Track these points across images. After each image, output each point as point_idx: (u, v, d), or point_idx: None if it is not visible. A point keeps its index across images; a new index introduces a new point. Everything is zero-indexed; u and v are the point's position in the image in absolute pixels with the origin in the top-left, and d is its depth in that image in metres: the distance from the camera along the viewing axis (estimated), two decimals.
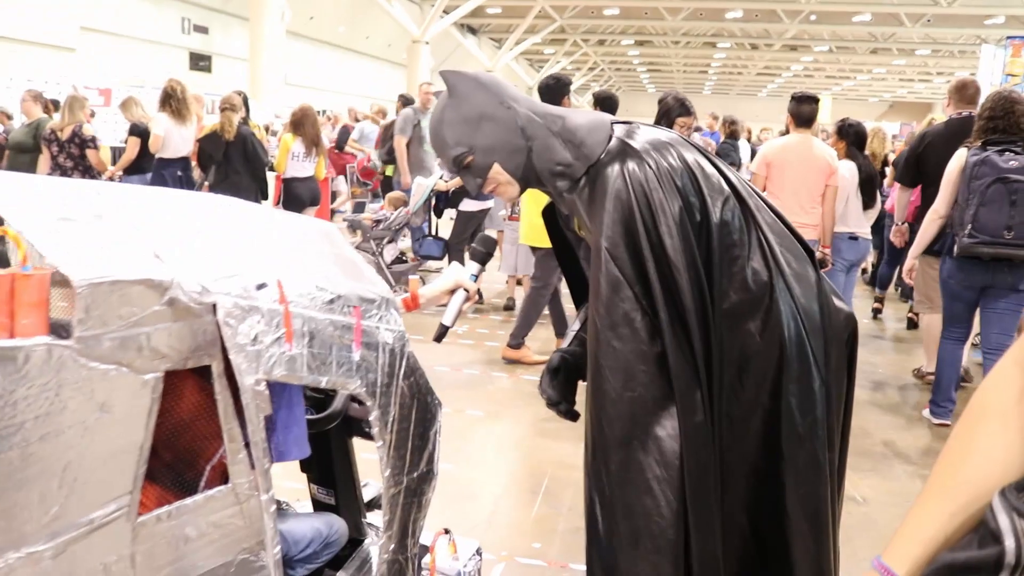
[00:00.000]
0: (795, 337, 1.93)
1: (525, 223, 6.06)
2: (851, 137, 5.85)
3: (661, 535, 1.85)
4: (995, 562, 0.85)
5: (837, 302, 2.05)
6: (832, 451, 2.01)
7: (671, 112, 5.52)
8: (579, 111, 2.13)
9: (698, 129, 11.16)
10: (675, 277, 1.86)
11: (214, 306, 1.43)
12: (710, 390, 1.89)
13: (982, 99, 4.78)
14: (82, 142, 7.51)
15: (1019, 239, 4.18)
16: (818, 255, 5.56)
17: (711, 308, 1.89)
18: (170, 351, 1.38)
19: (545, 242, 5.32)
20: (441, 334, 2.22)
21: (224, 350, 1.46)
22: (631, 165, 1.92)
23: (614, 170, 1.93)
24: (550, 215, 2.36)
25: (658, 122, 5.33)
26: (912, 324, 7.69)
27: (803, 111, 5.51)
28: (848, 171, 5.78)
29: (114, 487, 1.34)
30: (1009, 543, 0.84)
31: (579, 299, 2.49)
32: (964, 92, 5.34)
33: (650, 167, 1.91)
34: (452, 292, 2.22)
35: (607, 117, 2.09)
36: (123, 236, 1.40)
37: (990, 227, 4.21)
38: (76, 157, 7.51)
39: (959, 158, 4.50)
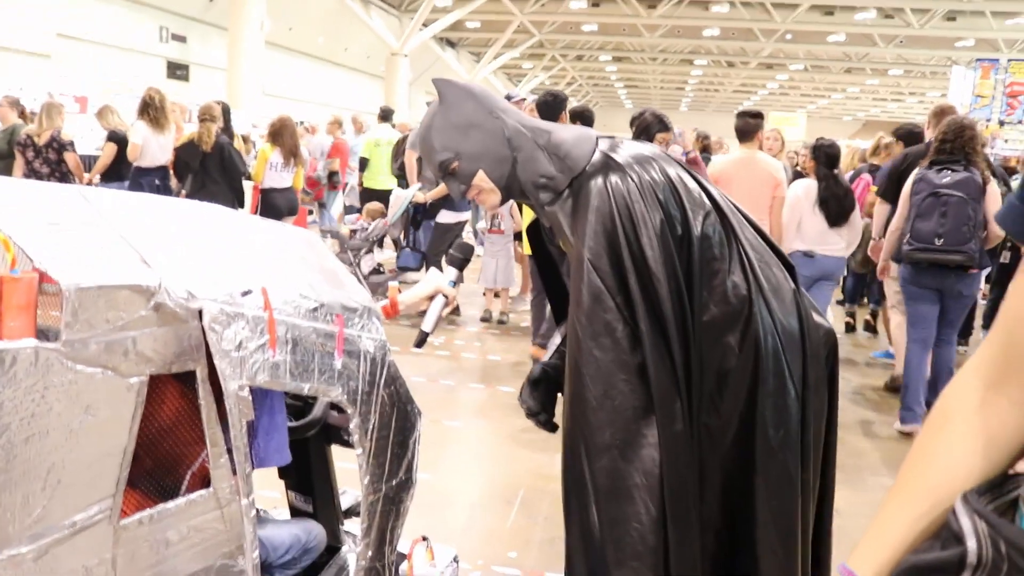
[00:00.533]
0: (772, 351, 1.96)
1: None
2: (822, 157, 5.90)
3: (641, 541, 1.88)
4: (958, 562, 0.88)
5: (817, 318, 2.08)
6: (808, 468, 2.04)
7: (651, 128, 5.60)
8: (566, 127, 2.17)
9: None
10: (656, 288, 1.89)
11: (200, 312, 1.45)
12: (689, 401, 1.92)
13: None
14: (60, 147, 7.46)
15: (948, 246, 4.65)
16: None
17: (691, 320, 1.93)
18: (155, 355, 1.39)
19: None
20: (421, 340, 2.25)
21: (209, 355, 1.47)
22: (614, 178, 1.95)
23: (597, 183, 1.96)
24: (534, 231, 2.40)
25: (637, 138, 5.39)
26: (868, 327, 7.96)
27: (747, 125, 5.76)
28: (803, 189, 5.84)
29: (97, 490, 1.35)
30: (971, 544, 0.87)
31: (560, 315, 2.52)
32: (941, 116, 5.61)
33: (632, 180, 1.95)
34: (431, 298, 2.24)
35: (592, 132, 2.13)
36: (110, 241, 1.41)
37: (923, 235, 4.73)
38: (53, 163, 7.46)
39: (912, 177, 4.96)
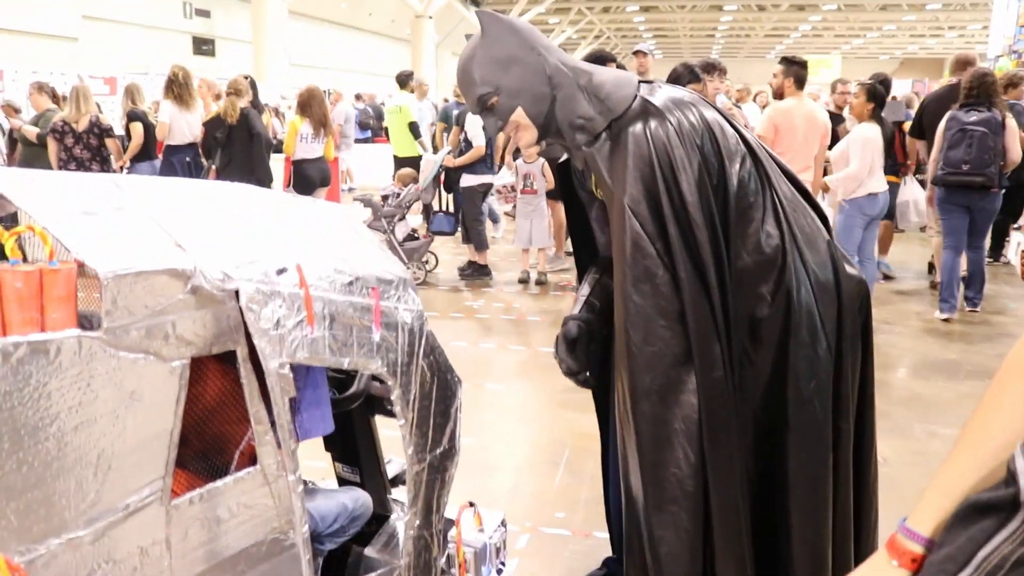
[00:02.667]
0: (804, 303, 1.94)
1: None
2: (878, 99, 6.01)
3: (679, 486, 1.89)
4: (1011, 501, 0.88)
5: (849, 269, 2.05)
6: (843, 419, 2.02)
7: (680, 79, 5.55)
8: (608, 69, 2.14)
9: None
10: (695, 234, 1.88)
11: (236, 292, 1.45)
12: (729, 348, 1.91)
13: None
14: (101, 131, 7.50)
15: (973, 170, 5.99)
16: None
17: (727, 268, 1.91)
18: (195, 338, 1.41)
19: None
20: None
21: (248, 335, 1.48)
22: (653, 124, 1.94)
23: (636, 128, 1.95)
24: (564, 173, 2.37)
25: None
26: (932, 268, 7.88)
27: (802, 75, 5.99)
28: (875, 133, 5.95)
29: (147, 472, 1.37)
30: None
31: (582, 261, 2.51)
32: (966, 66, 6.81)
33: (671, 125, 1.93)
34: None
35: (634, 77, 2.10)
36: (145, 227, 1.42)
37: (953, 162, 6.05)
38: (94, 148, 7.50)
39: (946, 118, 6.22)
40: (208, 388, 1.62)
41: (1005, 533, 0.88)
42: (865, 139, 5.89)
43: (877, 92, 6.05)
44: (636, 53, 7.53)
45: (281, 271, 1.54)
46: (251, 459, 1.64)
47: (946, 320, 6.38)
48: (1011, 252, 6.27)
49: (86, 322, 1.32)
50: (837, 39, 43.68)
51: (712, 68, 5.89)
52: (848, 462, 2.06)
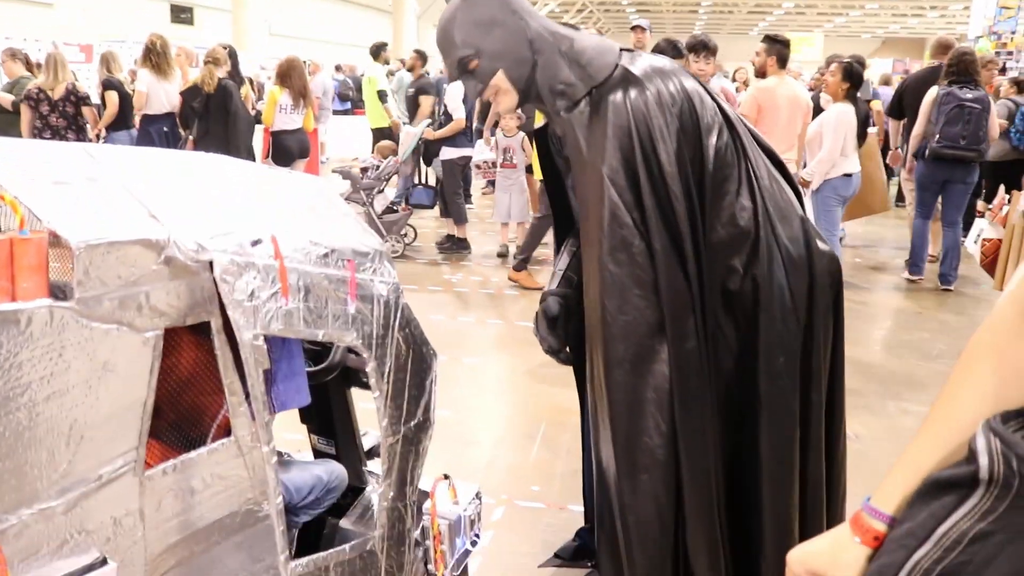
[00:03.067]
0: (776, 277, 1.96)
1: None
2: (854, 79, 6.05)
3: (650, 455, 1.91)
4: (971, 478, 0.90)
5: (821, 245, 2.07)
6: (816, 392, 2.05)
7: (664, 55, 5.54)
8: (589, 35, 2.13)
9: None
10: (672, 205, 1.89)
11: (211, 263, 1.45)
12: (704, 320, 1.93)
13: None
14: (78, 100, 7.41)
15: (968, 146, 6.34)
16: (802, 174, 5.76)
17: (702, 240, 1.93)
18: (169, 309, 1.40)
19: None
20: None
21: (222, 306, 1.48)
22: (633, 92, 1.94)
23: (616, 97, 1.95)
24: (542, 141, 2.37)
25: None
26: None
27: (785, 54, 6.10)
28: (846, 113, 5.96)
29: (120, 443, 1.37)
30: (983, 460, 0.88)
31: (561, 231, 2.51)
32: (947, 50, 7.19)
33: (651, 94, 1.93)
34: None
35: (615, 45, 2.10)
36: (118, 197, 1.41)
37: (951, 136, 6.34)
38: (70, 116, 7.40)
39: (931, 94, 6.57)
40: (182, 359, 1.62)
41: (964, 509, 0.89)
42: (839, 120, 5.93)
43: (853, 71, 6.07)
44: (634, 28, 7.51)
45: (256, 242, 1.54)
46: (226, 431, 1.64)
47: (912, 281, 7.01)
48: (970, 240, 6.35)
49: (59, 292, 1.31)
50: (820, 17, 43.62)
51: (702, 47, 5.80)
52: (820, 436, 2.10)
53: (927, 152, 6.50)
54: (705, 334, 1.93)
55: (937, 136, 6.35)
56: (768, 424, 1.99)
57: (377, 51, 10.42)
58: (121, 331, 1.32)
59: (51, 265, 1.31)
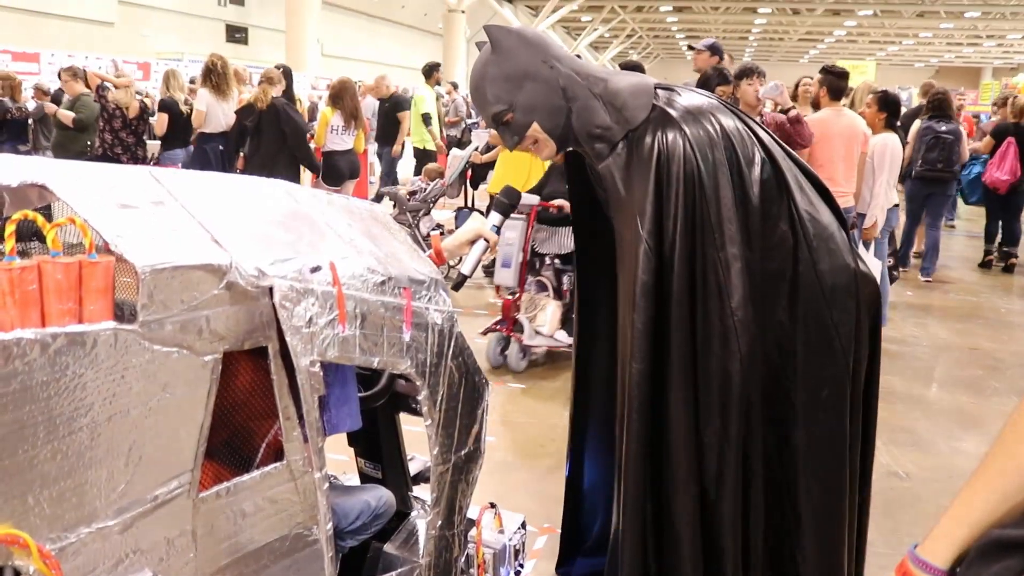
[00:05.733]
0: (813, 307, 1.93)
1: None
2: (891, 107, 6.07)
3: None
4: None
5: (863, 268, 2.04)
6: (852, 423, 2.01)
7: (710, 82, 5.52)
8: (623, 74, 2.13)
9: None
10: (717, 253, 1.88)
11: (271, 289, 1.46)
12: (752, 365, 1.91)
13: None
14: (147, 118, 7.70)
15: (944, 168, 7.97)
16: (865, 224, 5.67)
17: (747, 282, 1.91)
18: (228, 333, 1.42)
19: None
20: (460, 282, 2.26)
21: (280, 332, 1.49)
22: (670, 136, 1.93)
23: (654, 140, 1.94)
24: (576, 160, 2.35)
25: None
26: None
27: (839, 85, 5.95)
28: (893, 142, 5.92)
29: (176, 465, 1.38)
30: None
31: (582, 249, 2.53)
32: (929, 88, 9.26)
33: (689, 137, 1.92)
34: (473, 242, 2.23)
35: (650, 81, 2.08)
36: (182, 222, 1.43)
37: (930, 161, 7.99)
38: (140, 134, 7.68)
39: (914, 128, 8.40)
40: (238, 382, 1.63)
41: None
42: (885, 151, 5.87)
43: (889, 99, 6.10)
44: (691, 48, 7.51)
45: (315, 269, 1.55)
46: (276, 454, 1.65)
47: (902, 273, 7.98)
48: None
49: (123, 314, 1.33)
50: (872, 45, 43.21)
51: (750, 73, 5.72)
52: (855, 471, 2.05)
53: (913, 173, 8.16)
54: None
55: (920, 161, 8.03)
56: (809, 457, 1.95)
57: (429, 71, 10.34)
58: (181, 354, 1.34)
59: (122, 281, 1.33)
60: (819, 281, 1.94)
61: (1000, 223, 9.16)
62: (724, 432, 1.91)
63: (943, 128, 7.93)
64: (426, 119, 10.01)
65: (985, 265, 9.25)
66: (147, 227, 1.35)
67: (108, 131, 7.60)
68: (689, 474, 1.92)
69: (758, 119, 5.08)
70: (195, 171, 1.69)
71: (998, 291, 8.23)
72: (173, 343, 1.32)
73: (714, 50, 6.50)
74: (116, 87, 7.68)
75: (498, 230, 2.25)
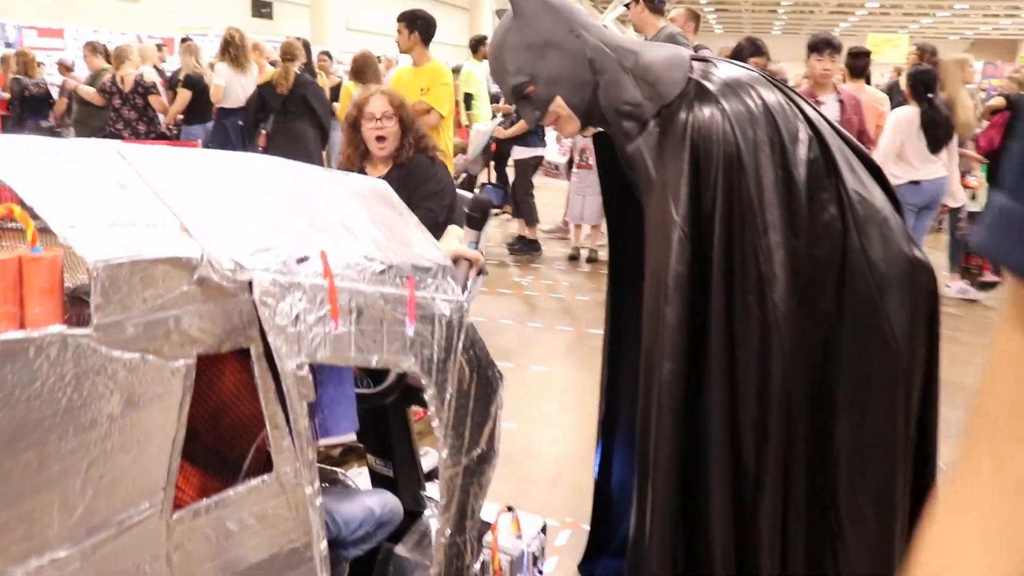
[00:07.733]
0: (866, 295, 1.77)
1: None
2: (918, 85, 5.84)
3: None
4: None
5: (918, 253, 1.86)
6: (908, 427, 1.84)
7: (742, 53, 5.34)
8: (656, 46, 1.95)
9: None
10: (759, 241, 1.72)
11: (250, 284, 1.29)
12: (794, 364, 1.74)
13: None
14: (145, 91, 7.48)
15: None
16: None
17: (787, 263, 1.75)
18: (202, 335, 1.24)
19: None
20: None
21: (263, 332, 1.32)
22: (707, 111, 1.76)
23: (690, 116, 1.77)
24: (605, 140, 2.18)
25: None
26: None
27: (858, 64, 6.13)
28: (904, 115, 5.76)
29: (145, 484, 1.22)
30: None
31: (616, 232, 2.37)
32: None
33: (728, 111, 1.75)
34: (455, 263, 2.06)
35: (685, 54, 1.90)
36: (147, 207, 1.26)
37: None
38: (140, 108, 7.49)
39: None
40: (222, 384, 1.47)
41: None
42: (895, 122, 5.73)
43: (920, 75, 5.92)
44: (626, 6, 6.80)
45: (302, 259, 1.37)
46: (267, 460, 1.49)
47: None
48: None
49: (75, 316, 1.17)
50: (905, 18, 42.18)
51: (825, 45, 5.07)
52: (908, 479, 1.88)
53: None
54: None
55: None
56: (860, 459, 1.79)
57: (476, 45, 9.17)
58: (147, 360, 1.17)
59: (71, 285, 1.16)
60: (870, 269, 1.76)
61: None
62: (763, 435, 1.74)
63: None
64: (467, 100, 8.81)
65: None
66: (105, 214, 1.17)
67: (111, 108, 7.51)
68: (725, 479, 1.76)
69: (835, 97, 4.90)
70: (172, 147, 1.51)
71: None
72: (136, 348, 1.15)
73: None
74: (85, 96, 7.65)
75: (476, 247, 2.10)
